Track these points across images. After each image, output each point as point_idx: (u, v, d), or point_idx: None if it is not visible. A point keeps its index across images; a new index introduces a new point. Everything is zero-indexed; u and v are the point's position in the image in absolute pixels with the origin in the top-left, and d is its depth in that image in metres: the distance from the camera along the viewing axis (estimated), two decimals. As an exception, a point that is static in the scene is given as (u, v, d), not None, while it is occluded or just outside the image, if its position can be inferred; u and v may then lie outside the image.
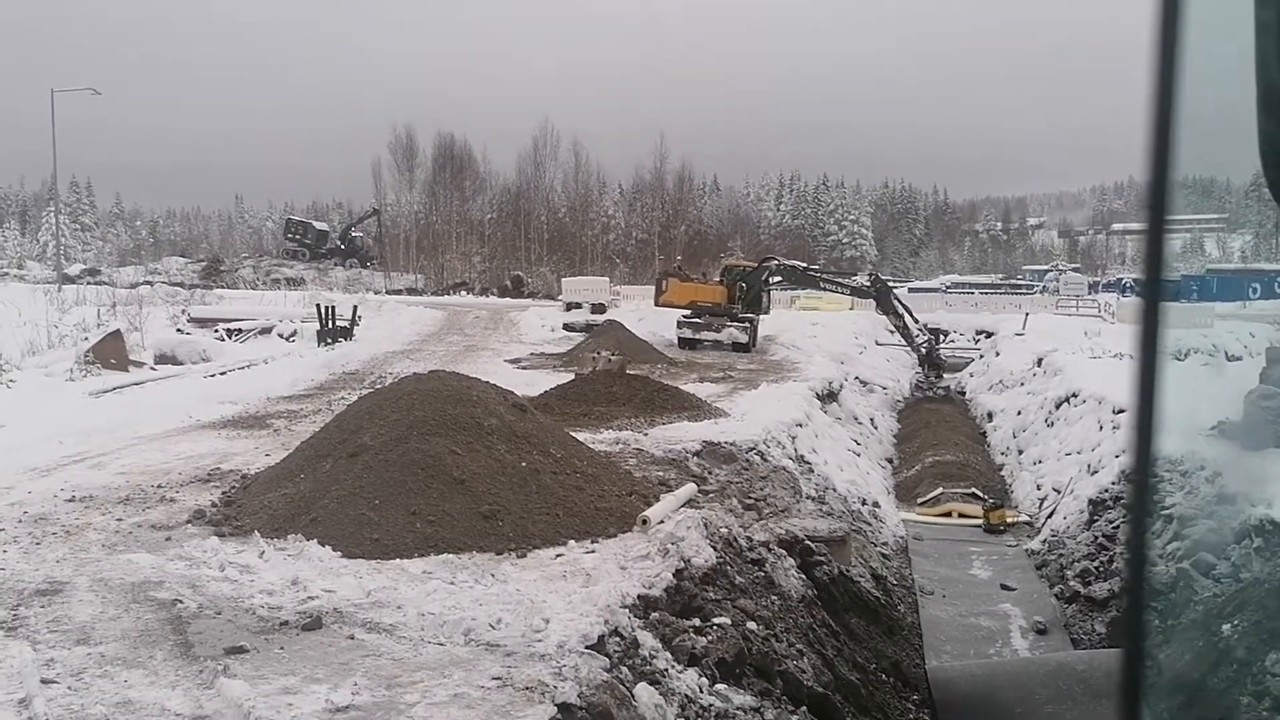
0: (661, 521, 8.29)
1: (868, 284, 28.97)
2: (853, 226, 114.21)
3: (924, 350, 28.40)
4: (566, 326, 33.97)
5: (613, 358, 17.57)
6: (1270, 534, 8.90)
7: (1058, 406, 18.78)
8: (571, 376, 17.83)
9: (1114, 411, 15.18)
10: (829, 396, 20.33)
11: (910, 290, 55.32)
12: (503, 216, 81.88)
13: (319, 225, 76.82)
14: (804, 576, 8.88)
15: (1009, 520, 15.20)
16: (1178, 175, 1.18)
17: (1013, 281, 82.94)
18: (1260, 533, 8.95)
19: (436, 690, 5.07)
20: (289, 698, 4.95)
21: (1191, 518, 9.40)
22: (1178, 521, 9.63)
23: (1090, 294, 57.14)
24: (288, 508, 8.21)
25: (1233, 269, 72.11)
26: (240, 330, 31.52)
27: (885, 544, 13.48)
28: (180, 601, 6.35)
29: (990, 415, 23.33)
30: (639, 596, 6.62)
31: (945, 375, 28.79)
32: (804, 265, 34.60)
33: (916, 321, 28.64)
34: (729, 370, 23.04)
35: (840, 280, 31.37)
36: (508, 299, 52.76)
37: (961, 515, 15.72)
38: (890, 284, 33.20)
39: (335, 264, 69.10)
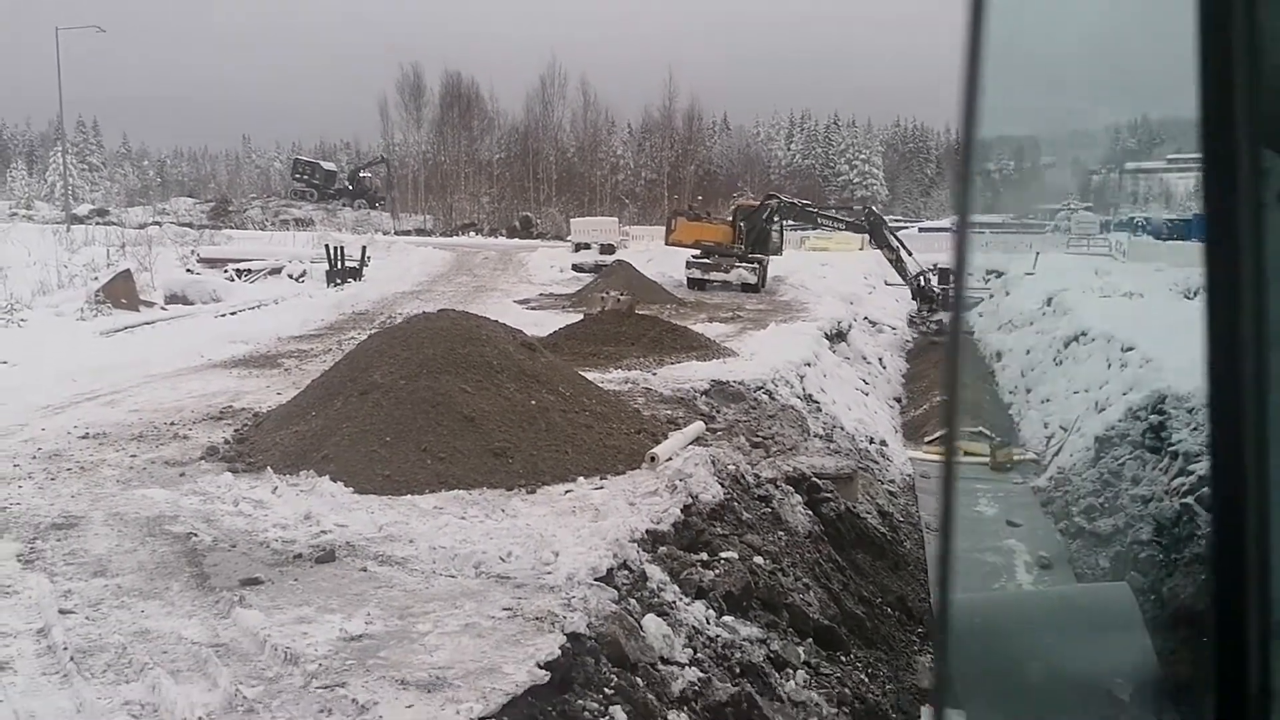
0: (670, 459, 8.36)
1: (863, 219, 29.15)
2: (864, 166, 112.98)
3: (918, 284, 28.48)
4: (575, 267, 33.84)
5: (621, 298, 17.59)
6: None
7: (1066, 345, 18.71)
8: (580, 317, 17.83)
9: (1122, 349, 15.15)
10: (838, 336, 20.31)
11: (920, 230, 54.84)
12: (511, 157, 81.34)
13: (327, 165, 76.12)
14: (811, 513, 8.96)
15: (1015, 458, 15.25)
16: (986, 129, 1.15)
17: (1024, 220, 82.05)
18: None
19: (448, 620, 5.16)
20: (304, 627, 5.04)
21: (1196, 454, 9.43)
22: (1183, 458, 9.67)
23: (1102, 233, 56.53)
24: (299, 445, 8.30)
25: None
26: (250, 271, 31.55)
27: (892, 481, 13.56)
28: (195, 535, 6.45)
29: (999, 355, 23.29)
30: (647, 531, 6.70)
31: (939, 310, 28.82)
32: (803, 203, 34.52)
33: (910, 255, 28.68)
34: (738, 310, 23.03)
35: (836, 216, 31.79)
36: (516, 240, 52.60)
37: (968, 453, 15.77)
38: (897, 222, 33.29)
39: (343, 204, 68.67)
